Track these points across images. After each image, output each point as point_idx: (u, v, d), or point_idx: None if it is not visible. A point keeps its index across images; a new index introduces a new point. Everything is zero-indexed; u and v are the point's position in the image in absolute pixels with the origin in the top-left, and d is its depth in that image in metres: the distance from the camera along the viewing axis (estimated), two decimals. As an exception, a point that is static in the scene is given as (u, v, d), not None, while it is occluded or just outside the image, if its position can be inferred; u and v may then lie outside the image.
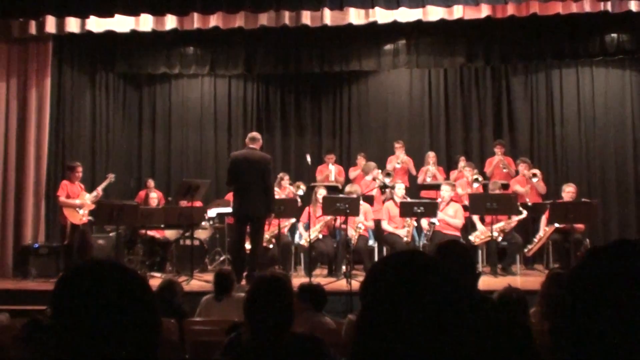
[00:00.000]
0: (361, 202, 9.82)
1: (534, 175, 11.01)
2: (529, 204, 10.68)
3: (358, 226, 9.97)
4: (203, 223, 10.87)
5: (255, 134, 9.28)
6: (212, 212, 11.02)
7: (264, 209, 8.79)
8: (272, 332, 3.08)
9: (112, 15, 9.80)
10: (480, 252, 10.21)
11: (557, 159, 13.02)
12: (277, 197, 9.87)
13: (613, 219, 12.49)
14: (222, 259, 11.09)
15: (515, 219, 10.19)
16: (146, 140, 13.99)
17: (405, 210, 9.81)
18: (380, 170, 11.32)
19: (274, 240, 10.07)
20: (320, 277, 9.60)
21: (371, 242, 10.51)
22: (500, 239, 10.01)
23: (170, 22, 10.36)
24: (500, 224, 10.01)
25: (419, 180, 11.95)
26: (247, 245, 9.05)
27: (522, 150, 12.92)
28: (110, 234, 10.86)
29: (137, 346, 1.42)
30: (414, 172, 12.13)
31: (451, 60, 11.92)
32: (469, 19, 10.26)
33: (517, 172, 11.56)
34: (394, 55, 11.92)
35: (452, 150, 13.35)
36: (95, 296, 1.41)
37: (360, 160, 12.14)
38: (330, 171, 12.24)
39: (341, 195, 10.04)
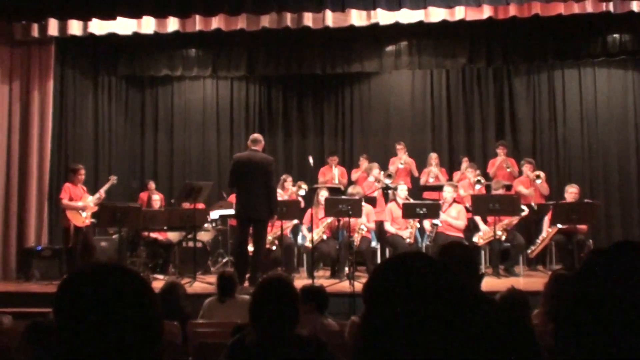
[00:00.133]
0: (363, 203, 9.82)
1: (538, 176, 10.99)
2: (535, 207, 10.65)
3: (360, 228, 9.97)
4: (206, 225, 10.87)
5: (256, 135, 9.27)
6: (214, 214, 11.03)
7: (266, 211, 8.79)
8: (277, 334, 3.08)
9: (114, 18, 9.81)
10: (483, 253, 10.20)
11: (560, 159, 13.01)
12: (279, 198, 9.86)
13: (616, 220, 12.48)
14: (224, 260, 11.10)
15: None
16: (148, 142, 14.00)
17: (408, 211, 9.80)
18: (382, 172, 11.33)
19: (276, 241, 10.07)
20: (323, 279, 9.61)
21: (374, 243, 10.51)
22: (503, 237, 10.00)
23: (172, 24, 10.37)
24: (504, 222, 9.99)
25: (422, 182, 11.94)
26: (250, 247, 9.05)
27: (525, 151, 12.91)
28: (113, 236, 10.86)
29: (140, 349, 1.42)
30: (416, 173, 12.12)
31: (453, 61, 11.91)
32: (470, 20, 10.25)
33: (520, 173, 11.55)
34: (396, 56, 11.91)
35: (454, 151, 13.34)
36: (97, 299, 1.41)
37: (363, 162, 12.15)
38: (334, 175, 12.24)
39: (343, 197, 10.04)
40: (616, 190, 12.62)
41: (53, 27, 10.28)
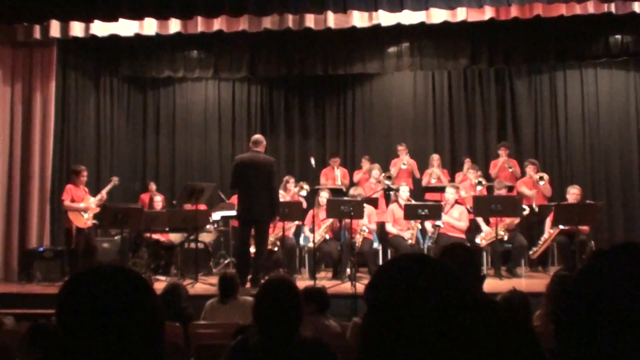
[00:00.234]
0: (365, 204, 9.82)
1: (541, 178, 10.97)
2: (536, 209, 10.64)
3: (362, 229, 9.97)
4: (207, 226, 10.88)
5: (258, 136, 9.27)
6: (216, 215, 11.03)
7: (268, 212, 8.79)
8: (281, 335, 3.08)
9: (116, 20, 9.82)
10: (485, 254, 10.19)
11: (562, 160, 13.00)
12: (281, 199, 9.87)
13: (618, 221, 12.47)
14: (226, 262, 11.09)
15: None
16: (150, 144, 14.01)
17: (410, 212, 9.80)
18: (383, 173, 11.34)
19: (278, 242, 10.08)
20: (325, 280, 9.61)
21: (375, 244, 10.50)
22: (506, 237, 9.99)
23: (174, 25, 10.38)
24: (505, 221, 9.99)
25: (424, 183, 11.93)
26: (252, 249, 9.05)
27: (526, 152, 12.90)
28: (115, 238, 10.86)
29: (142, 350, 1.42)
30: (417, 175, 12.12)
31: (455, 62, 11.91)
32: (472, 21, 10.26)
33: (522, 174, 11.54)
34: (398, 57, 11.92)
35: (456, 152, 13.34)
36: (99, 301, 1.41)
37: (365, 164, 12.14)
38: (336, 176, 12.24)
39: (345, 198, 10.04)
40: (618, 191, 12.61)
41: (55, 28, 10.29)
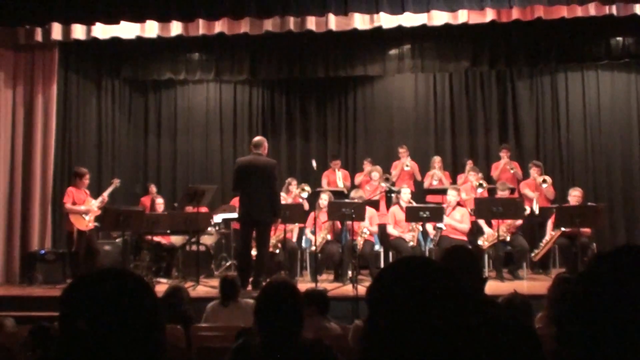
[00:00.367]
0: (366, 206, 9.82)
1: (544, 181, 10.95)
2: (536, 212, 10.62)
3: (363, 231, 9.97)
4: (209, 229, 10.88)
5: (258, 139, 9.26)
6: (218, 218, 11.03)
7: (269, 214, 8.80)
8: (282, 338, 3.08)
9: (117, 22, 9.82)
10: (486, 256, 10.18)
11: (563, 162, 13.00)
12: (283, 202, 9.87)
13: (619, 223, 12.47)
14: (228, 264, 11.10)
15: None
16: (152, 146, 14.02)
17: (411, 215, 9.80)
18: (385, 175, 11.35)
19: (279, 245, 10.07)
20: (327, 282, 9.61)
21: (377, 247, 10.51)
22: (508, 238, 9.98)
23: (176, 28, 10.38)
24: (507, 221, 9.98)
25: (425, 185, 11.93)
26: (254, 251, 9.05)
27: (528, 154, 12.90)
28: (117, 240, 10.87)
29: (143, 353, 1.42)
30: (419, 177, 12.12)
31: (456, 64, 11.91)
32: (473, 23, 10.25)
33: (523, 176, 11.54)
34: (399, 59, 11.91)
35: (457, 154, 13.34)
36: (101, 304, 1.41)
37: (367, 166, 12.13)
38: (338, 178, 12.24)
39: (347, 200, 10.04)
40: (620, 193, 12.61)
41: (57, 31, 10.31)
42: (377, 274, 1.49)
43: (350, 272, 9.56)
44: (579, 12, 9.84)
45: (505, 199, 10.13)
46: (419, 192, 11.88)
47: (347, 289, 8.65)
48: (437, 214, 9.76)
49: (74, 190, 9.91)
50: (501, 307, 3.79)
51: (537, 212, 10.62)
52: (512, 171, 11.62)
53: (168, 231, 10.76)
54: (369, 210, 10.12)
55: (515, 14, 9.98)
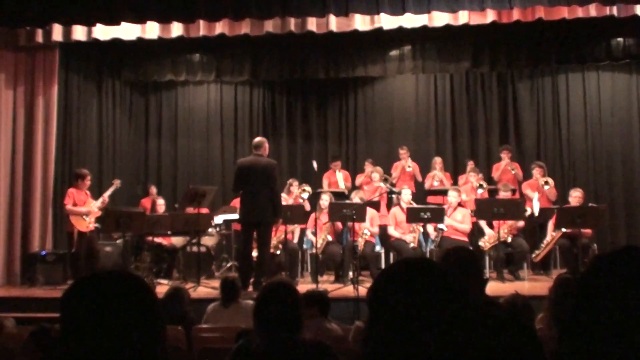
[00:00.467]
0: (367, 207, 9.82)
1: (546, 182, 10.93)
2: (535, 214, 10.60)
3: (364, 232, 9.97)
4: (210, 230, 10.87)
5: (258, 140, 9.25)
6: (218, 219, 11.03)
7: (270, 215, 8.80)
8: (281, 339, 3.08)
9: (118, 23, 9.82)
10: (487, 257, 10.18)
11: (564, 163, 12.99)
12: (284, 203, 9.88)
13: (620, 224, 12.47)
14: (229, 265, 11.09)
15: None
16: (152, 147, 14.02)
17: (412, 216, 9.80)
18: (384, 176, 11.36)
19: (280, 246, 10.07)
20: (327, 283, 9.61)
21: (378, 248, 10.50)
22: (509, 239, 9.98)
23: (176, 29, 10.38)
24: (508, 222, 9.98)
25: (426, 186, 11.93)
26: (255, 252, 9.05)
27: (529, 155, 12.90)
28: (117, 241, 10.87)
29: (143, 355, 1.42)
30: (419, 178, 12.12)
31: (457, 65, 11.92)
32: (474, 24, 10.24)
33: (524, 176, 11.54)
34: (400, 60, 11.92)
35: (458, 155, 13.34)
36: (101, 306, 1.41)
37: (368, 167, 12.12)
38: (339, 179, 12.24)
39: (347, 201, 10.04)
40: (620, 194, 12.60)
41: (57, 32, 10.31)
42: (377, 275, 1.49)
43: (351, 273, 9.56)
44: (579, 13, 9.84)
45: (506, 200, 10.12)
46: (420, 193, 11.88)
47: (348, 290, 8.64)
48: (437, 215, 9.76)
49: (74, 192, 9.92)
50: (502, 308, 3.79)
51: (536, 214, 10.59)
52: (513, 172, 11.61)
53: (169, 232, 10.76)
54: (370, 211, 10.11)
55: (515, 14, 9.97)
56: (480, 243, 10.07)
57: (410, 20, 10.11)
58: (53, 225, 10.77)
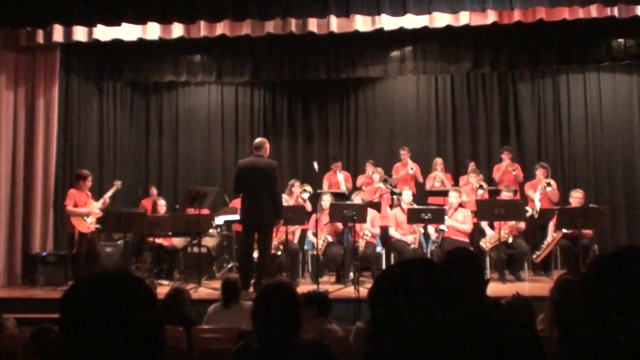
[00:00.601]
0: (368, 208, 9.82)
1: (549, 184, 10.91)
2: (535, 215, 10.59)
3: (365, 233, 9.97)
4: (210, 230, 10.87)
5: (259, 140, 9.23)
6: (219, 220, 11.02)
7: (271, 216, 8.79)
8: (279, 340, 3.08)
9: (119, 24, 9.82)
10: (488, 258, 10.18)
11: (565, 164, 12.99)
12: (285, 204, 9.87)
13: (621, 224, 12.46)
14: (229, 266, 11.09)
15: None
16: (153, 148, 14.03)
17: (413, 217, 9.80)
18: (384, 177, 11.36)
19: (281, 246, 10.07)
20: (328, 284, 9.61)
21: (379, 248, 10.50)
22: (510, 240, 9.97)
23: (177, 30, 10.37)
24: (510, 223, 9.97)
25: (428, 187, 11.93)
26: (255, 253, 9.05)
27: (529, 156, 12.91)
28: (118, 242, 10.87)
29: (143, 356, 1.42)
30: (420, 179, 12.12)
31: (458, 66, 11.91)
32: (475, 25, 10.24)
33: (525, 177, 11.53)
34: (401, 61, 11.91)
35: (459, 156, 13.34)
36: (100, 307, 1.41)
37: (369, 167, 12.13)
38: (339, 180, 12.24)
39: (348, 202, 10.05)
40: (621, 195, 12.60)
41: (58, 33, 10.30)
42: (378, 275, 1.49)
43: (352, 274, 9.56)
44: (580, 13, 9.84)
45: (507, 201, 10.12)
46: (421, 194, 11.88)
47: (349, 291, 8.65)
48: (438, 215, 9.76)
49: (75, 193, 9.92)
50: (503, 309, 3.79)
51: (536, 215, 10.57)
52: (513, 173, 11.60)
53: (169, 233, 10.75)
54: (371, 212, 10.11)
55: (516, 15, 9.96)
56: (482, 243, 10.07)
57: (411, 21, 10.10)
58: (54, 226, 10.76)
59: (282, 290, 3.23)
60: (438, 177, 11.84)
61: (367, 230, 10.03)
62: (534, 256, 10.16)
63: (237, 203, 10.29)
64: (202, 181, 13.13)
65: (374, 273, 10.03)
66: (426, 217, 9.69)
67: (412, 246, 10.00)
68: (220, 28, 10.33)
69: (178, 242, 10.98)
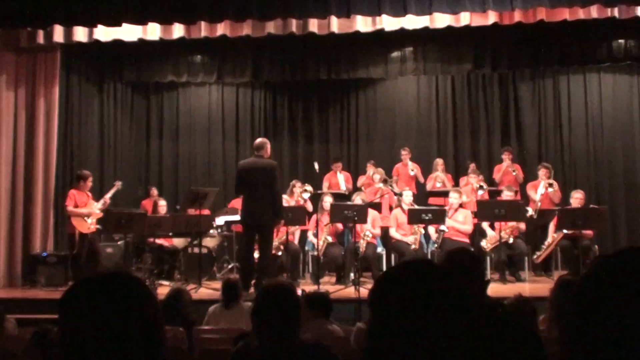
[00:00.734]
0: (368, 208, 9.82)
1: (550, 185, 10.91)
2: (535, 216, 10.58)
3: (365, 234, 9.97)
4: (211, 231, 10.87)
5: (259, 141, 9.23)
6: (220, 220, 11.02)
7: (272, 216, 8.79)
8: (279, 341, 3.08)
9: (119, 25, 9.82)
10: (488, 259, 10.18)
11: (565, 165, 12.99)
12: (286, 204, 9.87)
13: (621, 225, 12.46)
14: (230, 267, 11.09)
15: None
16: (154, 149, 14.03)
17: (413, 217, 9.80)
18: (384, 177, 11.37)
19: (282, 247, 10.07)
20: (329, 285, 9.60)
21: (379, 249, 10.50)
22: (511, 240, 9.96)
23: (178, 30, 10.38)
24: (511, 223, 9.97)
25: (428, 187, 11.93)
26: (256, 254, 9.05)
27: (530, 156, 12.91)
28: (119, 243, 10.87)
29: (143, 356, 1.42)
30: (421, 179, 12.13)
31: (458, 67, 11.92)
32: (475, 26, 10.24)
33: (525, 178, 11.53)
34: (401, 62, 11.92)
35: (459, 157, 13.34)
36: (99, 308, 1.41)
37: (370, 168, 12.12)
38: (340, 181, 12.25)
39: (349, 203, 10.05)
40: (622, 196, 12.59)
41: (58, 33, 10.30)
42: (379, 276, 1.49)
43: (352, 275, 9.56)
44: (581, 14, 9.84)
45: (507, 202, 10.12)
46: (421, 195, 11.88)
47: (350, 292, 8.65)
48: (439, 216, 9.76)
49: (75, 193, 9.93)
50: (504, 309, 3.79)
51: (535, 216, 10.55)
52: (514, 173, 11.60)
53: (170, 233, 10.76)
54: (372, 213, 10.11)
55: (517, 16, 9.96)
56: (482, 244, 10.07)
57: (412, 22, 10.11)
58: (54, 226, 10.76)
59: (281, 291, 3.23)
60: (439, 178, 11.84)
61: (368, 230, 10.03)
62: (535, 257, 10.16)
63: (237, 203, 10.29)
64: (203, 182, 13.13)
65: (375, 274, 10.02)
66: (427, 218, 9.70)
67: (413, 247, 10.00)
68: (221, 28, 10.33)
69: (178, 242, 10.98)
